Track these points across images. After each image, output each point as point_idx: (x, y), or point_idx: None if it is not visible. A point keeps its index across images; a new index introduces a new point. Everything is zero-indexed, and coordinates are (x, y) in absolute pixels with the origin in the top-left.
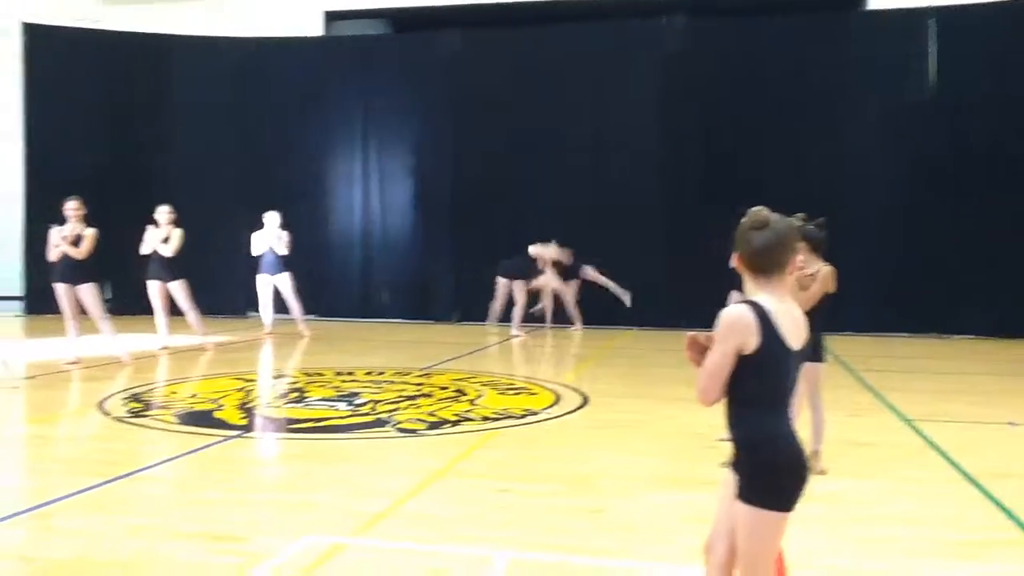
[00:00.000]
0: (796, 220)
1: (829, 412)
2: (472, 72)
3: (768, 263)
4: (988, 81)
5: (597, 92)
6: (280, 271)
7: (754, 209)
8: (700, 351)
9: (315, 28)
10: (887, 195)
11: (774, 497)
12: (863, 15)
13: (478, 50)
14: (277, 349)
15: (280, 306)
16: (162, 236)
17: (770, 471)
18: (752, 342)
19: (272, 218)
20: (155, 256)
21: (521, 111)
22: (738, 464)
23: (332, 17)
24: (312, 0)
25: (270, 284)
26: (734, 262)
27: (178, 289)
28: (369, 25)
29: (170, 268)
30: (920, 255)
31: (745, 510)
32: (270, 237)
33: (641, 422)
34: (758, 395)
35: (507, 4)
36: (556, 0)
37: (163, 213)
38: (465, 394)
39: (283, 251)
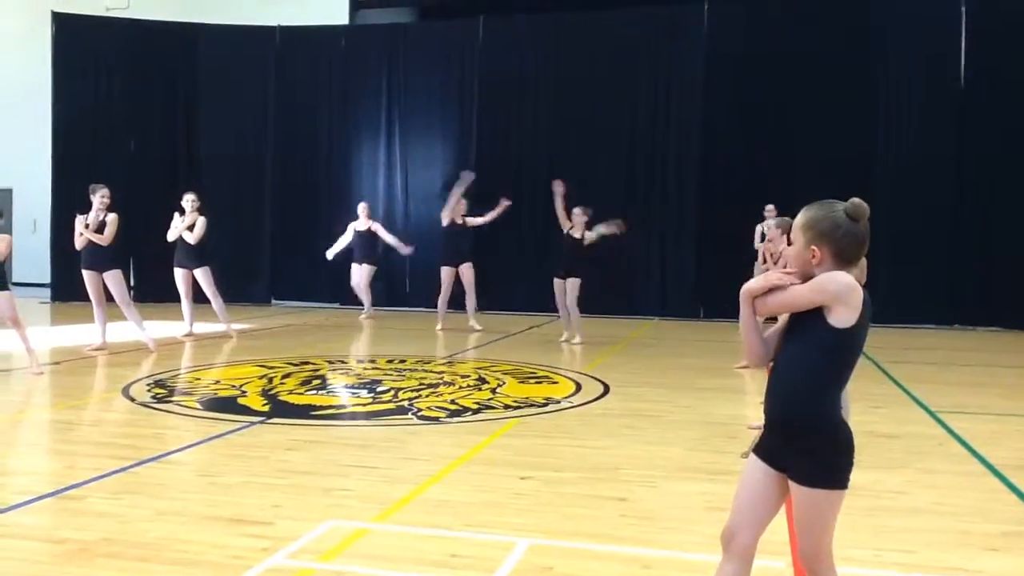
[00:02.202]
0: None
1: (853, 403)
2: (498, 59)
3: (858, 256)
4: (1018, 67)
5: (625, 78)
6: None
7: (855, 201)
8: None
9: (341, 16)
10: (912, 183)
11: (845, 476)
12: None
13: (504, 37)
14: (302, 336)
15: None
16: (187, 223)
17: (844, 451)
18: (847, 317)
19: (362, 209)
20: (180, 243)
21: (547, 98)
22: (801, 448)
23: (358, 5)
24: None
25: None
26: (805, 253)
27: (203, 276)
28: (395, 13)
29: (195, 255)
30: (949, 245)
31: (815, 494)
32: (362, 226)
33: (662, 411)
34: (839, 373)
35: None
36: None
37: (188, 201)
38: (486, 382)
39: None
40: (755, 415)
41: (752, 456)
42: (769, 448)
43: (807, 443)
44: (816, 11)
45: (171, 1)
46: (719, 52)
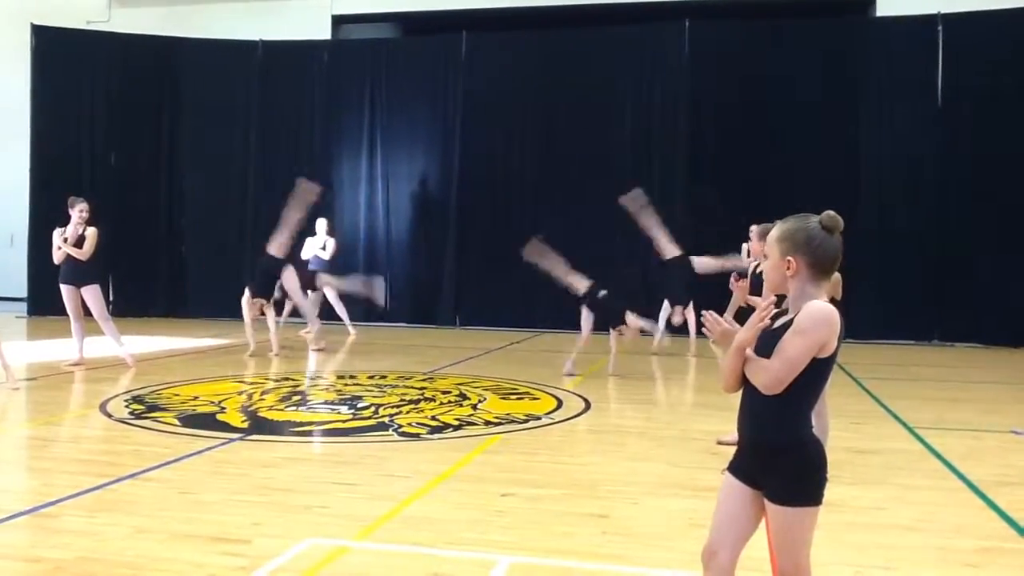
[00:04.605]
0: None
1: (832, 419)
2: (480, 76)
3: (832, 267)
4: (995, 87)
5: (604, 95)
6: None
7: (829, 213)
8: (730, 336)
9: (323, 32)
10: (893, 201)
11: (817, 493)
12: (871, 22)
13: (486, 54)
14: (283, 352)
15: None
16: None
17: (816, 469)
18: (833, 344)
19: (321, 225)
20: None
21: (530, 115)
22: (774, 468)
23: (340, 21)
24: (320, 4)
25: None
26: (780, 265)
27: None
28: (377, 29)
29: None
30: (926, 261)
31: (789, 512)
32: (318, 243)
33: (643, 427)
34: (813, 395)
35: (515, 8)
36: (565, 4)
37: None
38: (468, 398)
39: (326, 257)
40: (731, 430)
41: (728, 475)
42: (743, 467)
43: (780, 462)
44: (794, 29)
45: (153, 15)
46: (701, 68)
